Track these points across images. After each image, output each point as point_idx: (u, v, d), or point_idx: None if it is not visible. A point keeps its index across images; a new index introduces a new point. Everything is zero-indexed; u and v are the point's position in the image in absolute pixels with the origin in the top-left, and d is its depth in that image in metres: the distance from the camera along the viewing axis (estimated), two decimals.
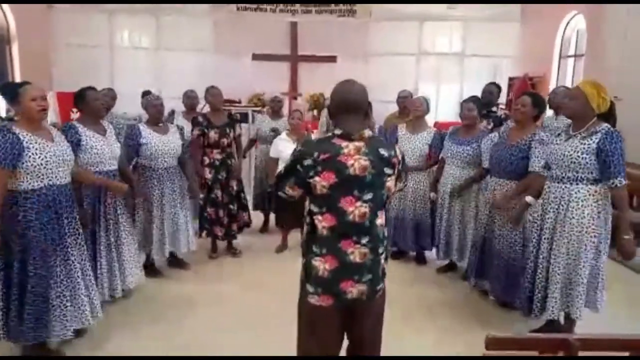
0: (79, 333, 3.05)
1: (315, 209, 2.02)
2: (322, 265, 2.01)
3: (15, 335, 2.75)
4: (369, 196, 1.99)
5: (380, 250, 2.09)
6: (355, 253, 2.01)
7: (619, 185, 2.80)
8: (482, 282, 3.86)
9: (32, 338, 2.76)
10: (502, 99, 8.25)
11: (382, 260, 2.11)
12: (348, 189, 1.96)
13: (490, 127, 4.92)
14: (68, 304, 2.84)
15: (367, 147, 1.99)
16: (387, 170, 2.02)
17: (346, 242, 2.00)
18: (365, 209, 1.99)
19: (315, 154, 1.95)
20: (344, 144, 1.97)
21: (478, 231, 3.83)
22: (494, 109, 5.04)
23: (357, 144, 1.98)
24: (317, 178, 1.95)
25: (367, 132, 2.03)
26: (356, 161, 1.95)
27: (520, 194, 3.36)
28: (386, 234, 2.16)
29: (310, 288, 2.04)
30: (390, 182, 2.05)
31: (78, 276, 2.92)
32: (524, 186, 3.36)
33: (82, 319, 2.93)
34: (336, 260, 2.00)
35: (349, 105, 2.03)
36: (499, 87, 5.31)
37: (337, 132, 2.01)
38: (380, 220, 2.07)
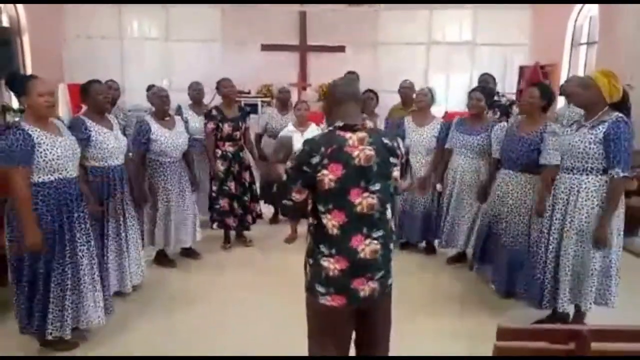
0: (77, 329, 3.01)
1: (322, 207, 1.97)
2: (332, 266, 1.97)
3: (36, 329, 2.79)
4: (376, 187, 1.96)
5: (391, 246, 2.08)
6: (366, 250, 1.97)
7: (615, 176, 2.74)
8: (484, 268, 3.88)
9: (39, 331, 2.80)
10: (513, 88, 8.20)
11: (391, 255, 2.09)
12: (355, 181, 1.93)
13: (497, 116, 4.88)
14: (69, 300, 2.84)
15: (371, 136, 1.97)
16: (393, 160, 2.01)
17: (356, 238, 1.96)
18: (373, 200, 1.96)
19: (322, 149, 1.92)
20: (347, 135, 1.95)
21: (483, 220, 3.83)
22: (496, 97, 5.00)
23: (360, 134, 1.96)
24: (324, 171, 1.91)
25: (369, 123, 2.02)
26: (361, 151, 1.93)
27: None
28: (394, 227, 2.14)
29: (320, 289, 2.00)
30: (396, 173, 2.03)
31: (85, 272, 2.90)
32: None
33: (84, 316, 2.92)
34: (346, 260, 1.96)
35: (349, 96, 2.03)
36: (492, 77, 5.30)
37: (339, 124, 1.98)
38: (389, 213, 2.05)
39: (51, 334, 2.80)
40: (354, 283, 1.98)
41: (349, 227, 1.95)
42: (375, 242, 1.99)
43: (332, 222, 1.96)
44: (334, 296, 1.99)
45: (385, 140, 1.99)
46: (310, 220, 2.05)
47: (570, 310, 3.12)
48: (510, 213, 3.54)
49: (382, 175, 1.97)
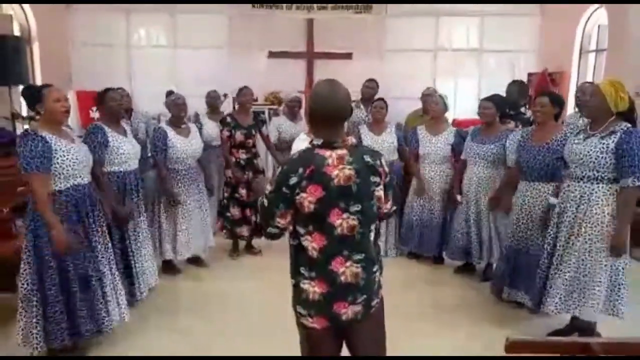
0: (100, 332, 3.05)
1: (301, 229, 1.89)
2: (312, 289, 1.91)
3: (54, 337, 2.78)
4: (356, 208, 1.86)
5: (375, 268, 1.99)
6: (347, 272, 1.89)
7: (631, 185, 2.73)
8: (516, 293, 3.57)
9: (67, 339, 2.80)
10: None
11: (377, 276, 2.01)
12: (335, 202, 1.84)
13: (518, 129, 4.81)
14: (95, 304, 2.87)
15: (351, 155, 1.87)
16: (374, 179, 1.90)
17: (336, 261, 1.89)
18: (354, 221, 1.87)
19: (300, 170, 1.82)
20: (327, 153, 1.85)
21: (510, 240, 3.61)
22: (522, 109, 4.82)
23: (340, 152, 1.86)
24: (303, 194, 1.82)
25: (351, 140, 1.91)
26: (340, 171, 1.83)
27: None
28: (380, 248, 2.06)
29: (302, 310, 1.96)
30: (379, 192, 1.94)
31: (105, 276, 2.94)
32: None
33: (106, 320, 2.95)
34: (327, 284, 1.90)
35: (332, 114, 1.88)
36: (521, 85, 5.08)
37: (318, 141, 1.88)
38: (373, 235, 1.98)
39: (66, 341, 2.80)
40: (335, 307, 1.91)
41: (329, 250, 1.88)
42: (357, 265, 1.91)
43: (312, 244, 1.88)
44: (315, 318, 1.94)
45: (367, 159, 1.90)
46: (291, 241, 1.98)
47: (567, 317, 3.13)
48: (536, 224, 3.42)
49: (363, 195, 1.87)
